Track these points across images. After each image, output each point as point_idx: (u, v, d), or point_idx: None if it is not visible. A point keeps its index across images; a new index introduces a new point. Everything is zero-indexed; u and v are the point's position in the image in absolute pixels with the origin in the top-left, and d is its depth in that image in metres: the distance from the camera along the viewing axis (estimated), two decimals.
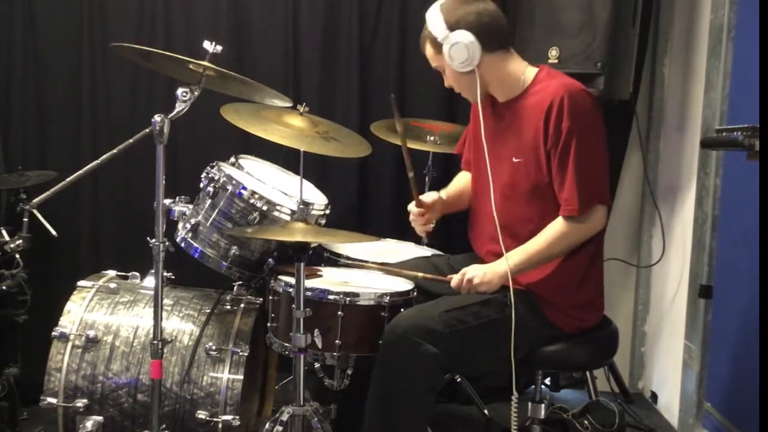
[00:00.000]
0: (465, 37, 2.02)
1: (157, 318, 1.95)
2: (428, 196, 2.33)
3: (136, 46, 2.07)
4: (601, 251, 2.17)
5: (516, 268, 2.05)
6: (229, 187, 2.30)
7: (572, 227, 2.03)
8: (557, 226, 2.05)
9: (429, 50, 2.12)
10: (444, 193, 2.37)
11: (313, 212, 2.46)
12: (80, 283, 2.43)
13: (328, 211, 2.55)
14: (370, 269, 2.38)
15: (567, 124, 1.98)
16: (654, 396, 3.27)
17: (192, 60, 2.00)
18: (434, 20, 2.06)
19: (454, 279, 2.11)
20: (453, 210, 2.40)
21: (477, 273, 2.07)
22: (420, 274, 2.22)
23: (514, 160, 2.09)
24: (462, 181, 2.44)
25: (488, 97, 2.19)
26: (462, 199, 2.40)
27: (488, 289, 2.07)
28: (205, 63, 2.00)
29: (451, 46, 2.03)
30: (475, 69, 2.06)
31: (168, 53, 2.04)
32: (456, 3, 2.06)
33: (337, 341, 2.08)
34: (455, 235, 3.15)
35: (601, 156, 2.07)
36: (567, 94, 1.99)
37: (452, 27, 2.03)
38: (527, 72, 2.12)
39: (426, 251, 2.79)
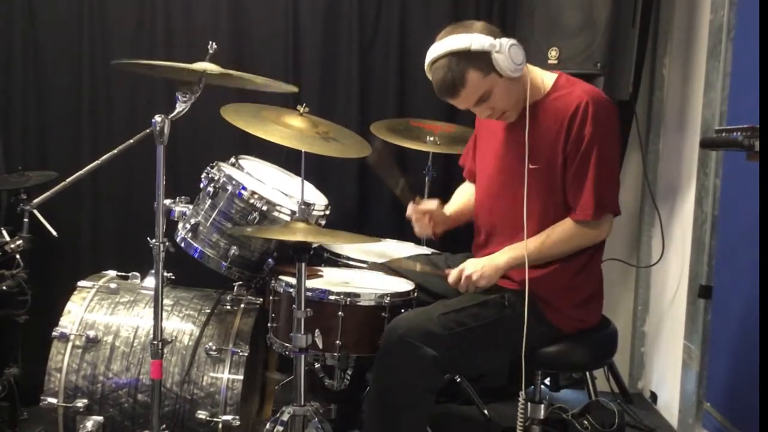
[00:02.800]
0: (507, 41, 1.96)
1: (157, 318, 1.95)
2: (428, 203, 2.29)
3: (134, 61, 2.05)
4: (599, 252, 2.17)
5: (515, 262, 2.05)
6: (229, 188, 2.30)
7: (581, 231, 2.05)
8: (566, 227, 2.06)
9: (473, 79, 1.98)
10: (446, 210, 2.35)
11: (314, 213, 2.46)
12: (80, 283, 2.43)
13: (328, 212, 2.55)
14: (371, 269, 2.39)
15: (590, 131, 1.98)
16: (654, 396, 3.28)
17: (190, 67, 1.98)
18: (473, 40, 1.94)
19: (452, 275, 2.10)
20: (454, 225, 2.38)
21: (476, 268, 2.07)
22: (418, 267, 2.23)
23: (531, 166, 2.06)
24: (463, 197, 2.42)
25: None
26: (463, 215, 2.39)
27: (488, 284, 2.07)
28: (206, 64, 1.99)
29: (509, 48, 1.95)
30: (525, 70, 2.03)
31: (167, 63, 2.02)
32: (464, 25, 2.00)
33: (337, 341, 2.08)
34: (456, 235, 3.15)
35: (617, 166, 2.09)
36: (592, 101, 2.00)
37: (495, 36, 1.97)
38: (546, 77, 2.11)
39: (426, 251, 2.79)
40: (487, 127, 2.28)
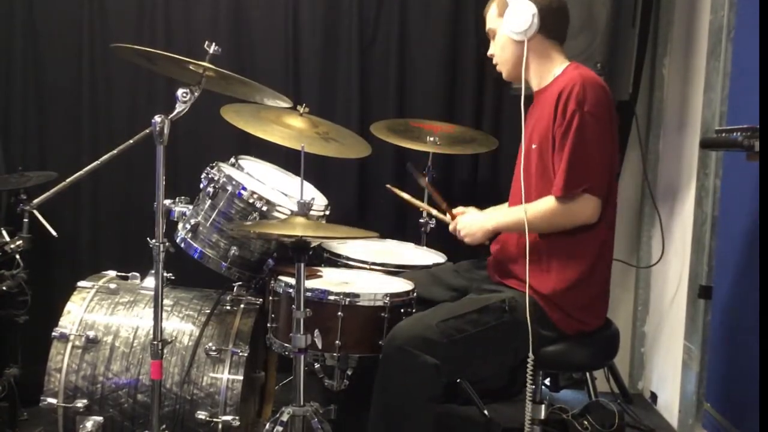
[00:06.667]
0: (529, 7, 2.09)
1: (157, 318, 1.95)
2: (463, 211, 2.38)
3: (135, 47, 2.07)
4: (608, 254, 2.17)
5: (500, 227, 2.17)
6: (229, 188, 2.30)
7: (557, 208, 2.05)
8: (546, 202, 2.07)
9: (492, 10, 2.20)
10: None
11: (313, 212, 2.45)
12: (80, 283, 2.43)
13: (327, 212, 2.55)
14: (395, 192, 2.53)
15: (572, 108, 2.01)
16: (654, 396, 3.28)
17: (192, 61, 2.00)
18: None
19: (451, 225, 2.27)
20: None
21: (465, 225, 2.21)
22: (427, 206, 2.43)
23: (533, 146, 2.13)
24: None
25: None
26: None
27: (470, 241, 2.20)
28: (205, 64, 2.00)
29: (515, 9, 2.11)
30: (525, 42, 2.11)
31: (168, 54, 2.04)
32: None
33: (337, 342, 2.08)
34: (455, 237, 3.16)
35: (600, 146, 2.05)
36: (580, 82, 2.03)
37: None
38: (560, 66, 2.17)
39: (426, 251, 2.79)
40: None
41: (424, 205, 2.53)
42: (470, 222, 2.21)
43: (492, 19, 2.20)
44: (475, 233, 2.18)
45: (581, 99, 2.01)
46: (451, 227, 2.27)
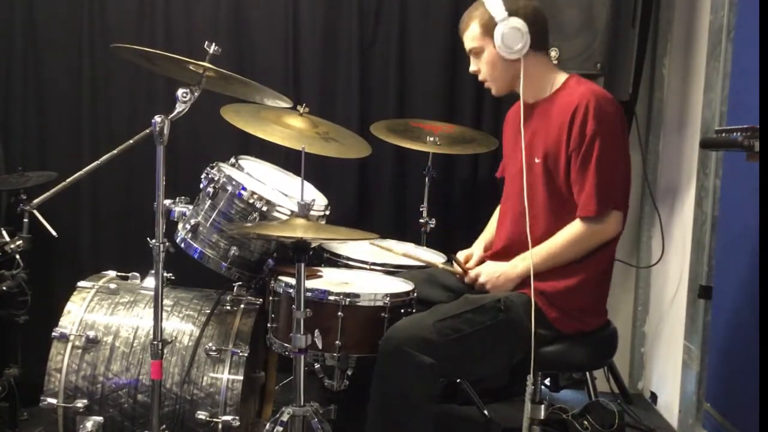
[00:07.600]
0: (521, 25, 2.04)
1: (157, 318, 1.95)
2: (470, 256, 2.33)
3: (135, 47, 2.07)
4: (613, 259, 2.18)
5: (529, 271, 2.04)
6: (229, 188, 2.30)
7: (588, 229, 2.04)
8: (573, 228, 2.06)
9: (473, 30, 2.11)
10: (481, 246, 2.38)
11: (313, 213, 2.45)
12: (80, 283, 2.43)
13: (327, 212, 2.55)
14: (393, 252, 2.45)
15: (592, 127, 2.00)
16: (654, 396, 3.28)
17: (192, 61, 2.00)
18: (493, 1, 2.07)
19: (468, 278, 2.19)
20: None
21: (490, 277, 2.13)
22: (440, 265, 2.33)
23: (536, 161, 2.10)
24: (494, 220, 2.44)
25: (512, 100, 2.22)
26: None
27: (496, 292, 2.11)
28: (205, 64, 2.00)
29: (508, 29, 2.04)
30: (521, 59, 2.07)
31: (168, 54, 2.04)
32: None
33: (337, 342, 2.08)
34: (455, 236, 3.16)
35: (622, 162, 2.09)
36: (594, 99, 2.02)
37: (511, 13, 2.05)
38: (558, 77, 2.15)
39: (425, 251, 2.79)
40: (506, 131, 2.34)
41: (433, 263, 2.42)
42: (494, 273, 2.13)
43: (474, 38, 2.11)
44: (503, 284, 2.11)
45: (600, 118, 2.00)
46: (467, 279, 2.20)
